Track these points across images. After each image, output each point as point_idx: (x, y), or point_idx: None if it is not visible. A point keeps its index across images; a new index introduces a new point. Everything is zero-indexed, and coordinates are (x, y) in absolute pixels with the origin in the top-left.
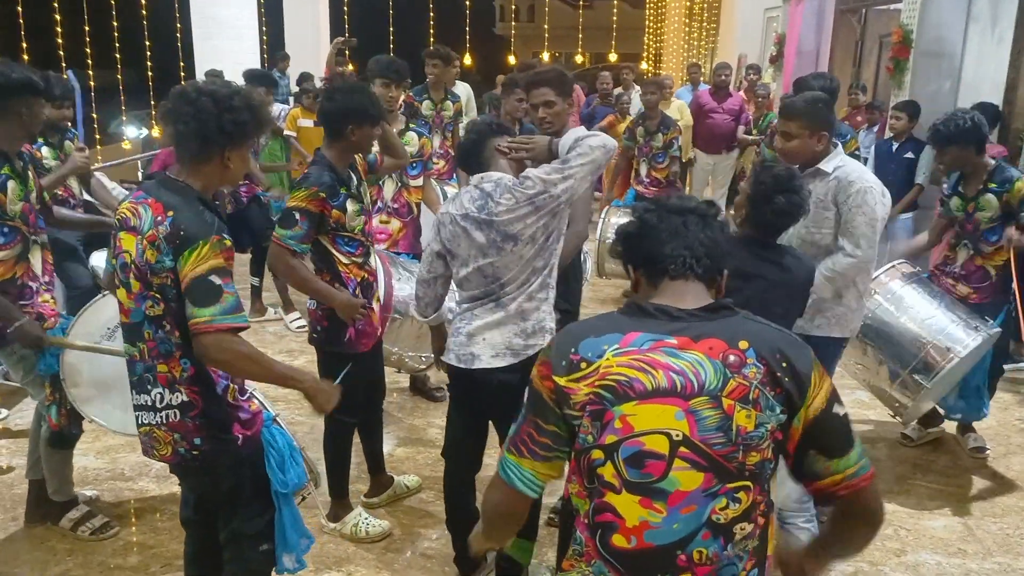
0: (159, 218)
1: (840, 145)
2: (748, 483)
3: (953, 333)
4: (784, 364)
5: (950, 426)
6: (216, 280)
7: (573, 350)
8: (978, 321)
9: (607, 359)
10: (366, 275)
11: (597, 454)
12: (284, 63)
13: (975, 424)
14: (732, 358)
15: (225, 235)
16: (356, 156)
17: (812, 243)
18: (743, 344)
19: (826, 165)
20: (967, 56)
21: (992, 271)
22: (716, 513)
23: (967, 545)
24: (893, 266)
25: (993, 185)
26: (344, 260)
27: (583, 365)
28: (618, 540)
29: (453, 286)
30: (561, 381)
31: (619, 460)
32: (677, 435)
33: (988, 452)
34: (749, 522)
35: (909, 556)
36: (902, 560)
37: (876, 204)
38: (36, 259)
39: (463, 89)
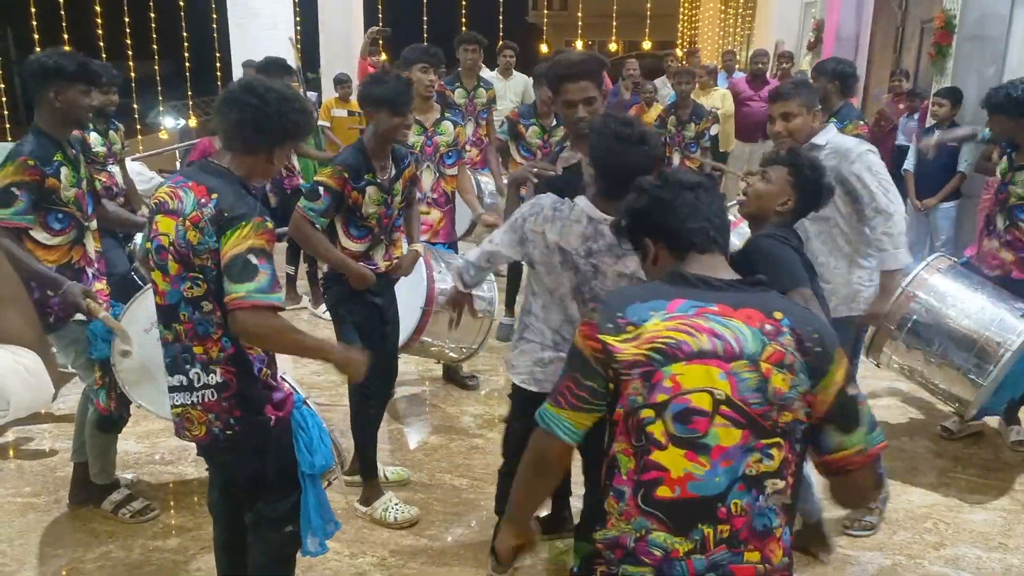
0: (203, 200)
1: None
2: (779, 440)
3: (1004, 323)
4: (815, 336)
5: (991, 419)
6: (253, 259)
7: (620, 314)
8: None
9: (655, 323)
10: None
11: (647, 412)
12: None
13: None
14: (769, 327)
15: (267, 218)
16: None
17: (822, 218)
18: (778, 315)
19: (819, 139)
20: (1012, 41)
21: None
22: (750, 467)
23: (1008, 539)
24: (928, 263)
25: None
26: (344, 243)
27: (629, 328)
28: (662, 491)
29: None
30: (607, 339)
31: (668, 417)
32: (720, 394)
33: None
34: (781, 479)
35: (948, 550)
36: (941, 554)
37: (878, 163)
38: (91, 244)
39: (521, 79)
